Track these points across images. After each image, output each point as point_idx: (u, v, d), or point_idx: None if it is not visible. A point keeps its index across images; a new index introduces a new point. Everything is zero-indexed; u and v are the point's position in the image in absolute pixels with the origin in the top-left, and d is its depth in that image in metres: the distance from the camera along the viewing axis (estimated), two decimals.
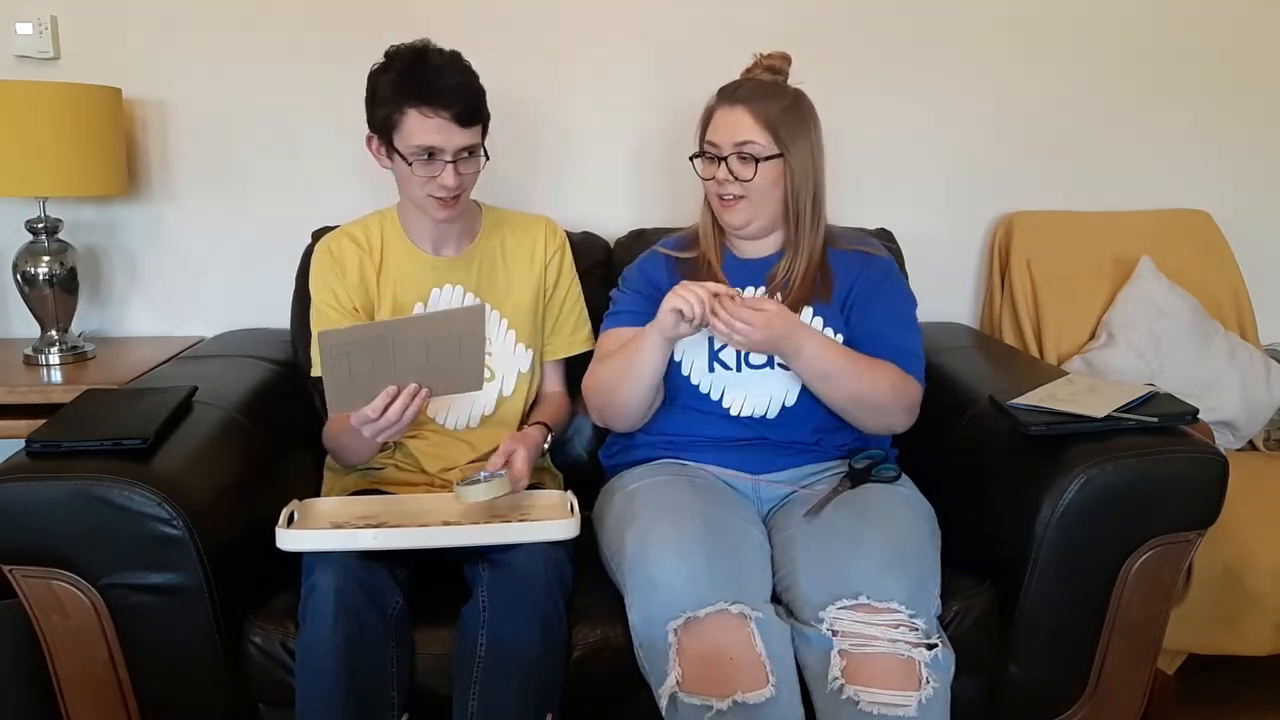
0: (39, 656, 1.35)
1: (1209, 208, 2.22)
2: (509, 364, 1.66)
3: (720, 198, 1.55)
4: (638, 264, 1.68)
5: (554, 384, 1.74)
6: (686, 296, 1.38)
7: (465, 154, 1.51)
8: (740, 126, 1.51)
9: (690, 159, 1.58)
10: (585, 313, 1.75)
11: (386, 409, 1.35)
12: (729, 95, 1.54)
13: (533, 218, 1.74)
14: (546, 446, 1.60)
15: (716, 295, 1.39)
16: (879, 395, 1.49)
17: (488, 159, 1.57)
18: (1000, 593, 1.46)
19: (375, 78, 1.52)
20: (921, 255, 2.05)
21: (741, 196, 1.53)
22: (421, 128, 1.47)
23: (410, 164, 1.49)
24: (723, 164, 1.52)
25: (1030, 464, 1.43)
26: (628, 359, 1.50)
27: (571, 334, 1.72)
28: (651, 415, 1.59)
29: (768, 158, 1.50)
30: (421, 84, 1.46)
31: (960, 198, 2.23)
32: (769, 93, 1.53)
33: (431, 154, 1.48)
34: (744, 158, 1.50)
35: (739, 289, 1.57)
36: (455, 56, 1.52)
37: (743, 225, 1.56)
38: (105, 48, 2.02)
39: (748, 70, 1.58)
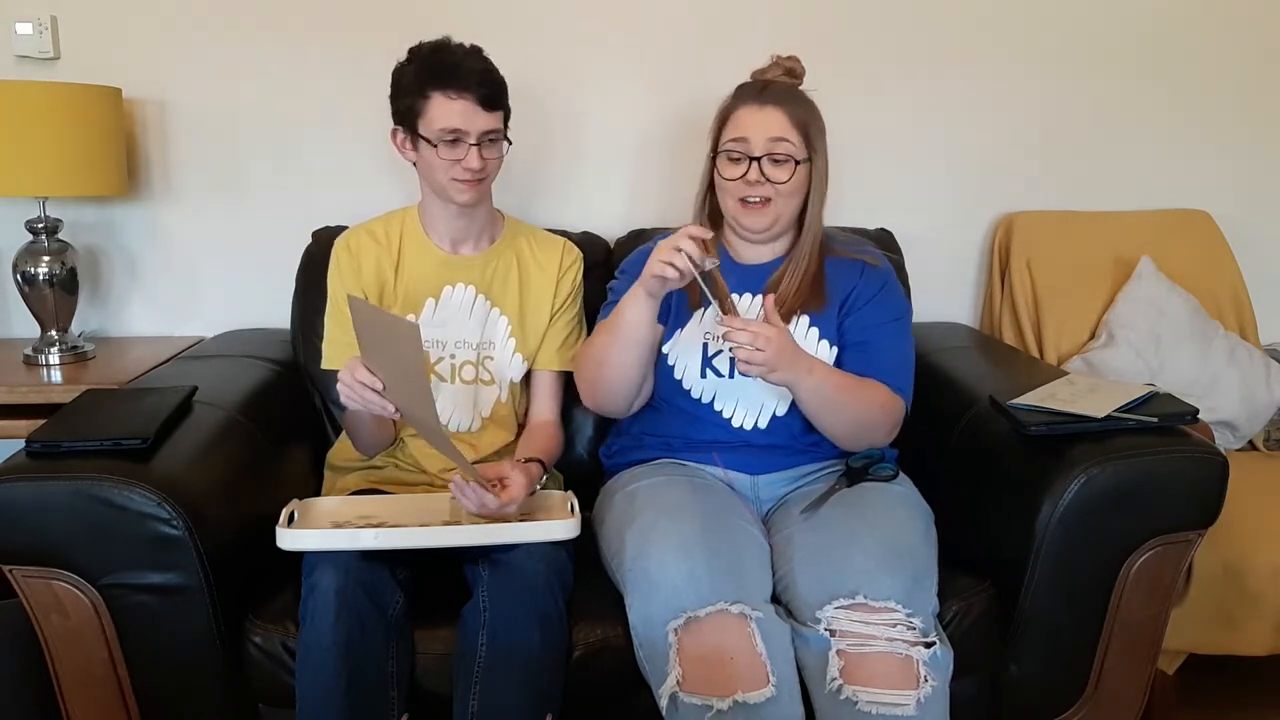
0: (39, 656, 1.35)
1: (1209, 208, 2.22)
2: (505, 372, 1.66)
3: (743, 200, 1.51)
4: (638, 256, 1.64)
5: (546, 410, 1.69)
6: (674, 260, 1.33)
7: (488, 138, 1.53)
8: (775, 126, 1.48)
9: (711, 156, 1.54)
10: (579, 336, 1.72)
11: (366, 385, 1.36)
12: (755, 95, 1.51)
13: (554, 236, 1.75)
14: (541, 484, 1.54)
15: (700, 241, 1.33)
16: (872, 416, 1.48)
17: (510, 144, 1.59)
18: (1000, 593, 1.46)
19: (399, 71, 1.56)
20: (921, 255, 2.05)
21: (769, 200, 1.50)
22: (446, 111, 1.50)
23: (436, 147, 1.51)
24: (753, 165, 1.49)
25: (1030, 464, 1.43)
26: (617, 323, 1.46)
27: (559, 350, 1.69)
28: (641, 404, 1.58)
29: (801, 161, 1.49)
30: (445, 69, 1.50)
31: (960, 198, 2.23)
32: (796, 96, 1.52)
33: (456, 138, 1.50)
34: (778, 160, 1.48)
35: (738, 295, 1.56)
36: (476, 49, 1.56)
37: (765, 229, 1.53)
38: (105, 48, 2.02)
39: (763, 71, 1.55)
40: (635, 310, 1.42)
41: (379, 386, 1.35)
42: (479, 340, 1.65)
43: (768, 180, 1.48)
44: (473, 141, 1.51)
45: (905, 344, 1.56)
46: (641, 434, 1.62)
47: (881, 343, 1.52)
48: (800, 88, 1.55)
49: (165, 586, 1.32)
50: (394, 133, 1.58)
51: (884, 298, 1.56)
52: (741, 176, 1.49)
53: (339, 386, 1.38)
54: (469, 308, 1.65)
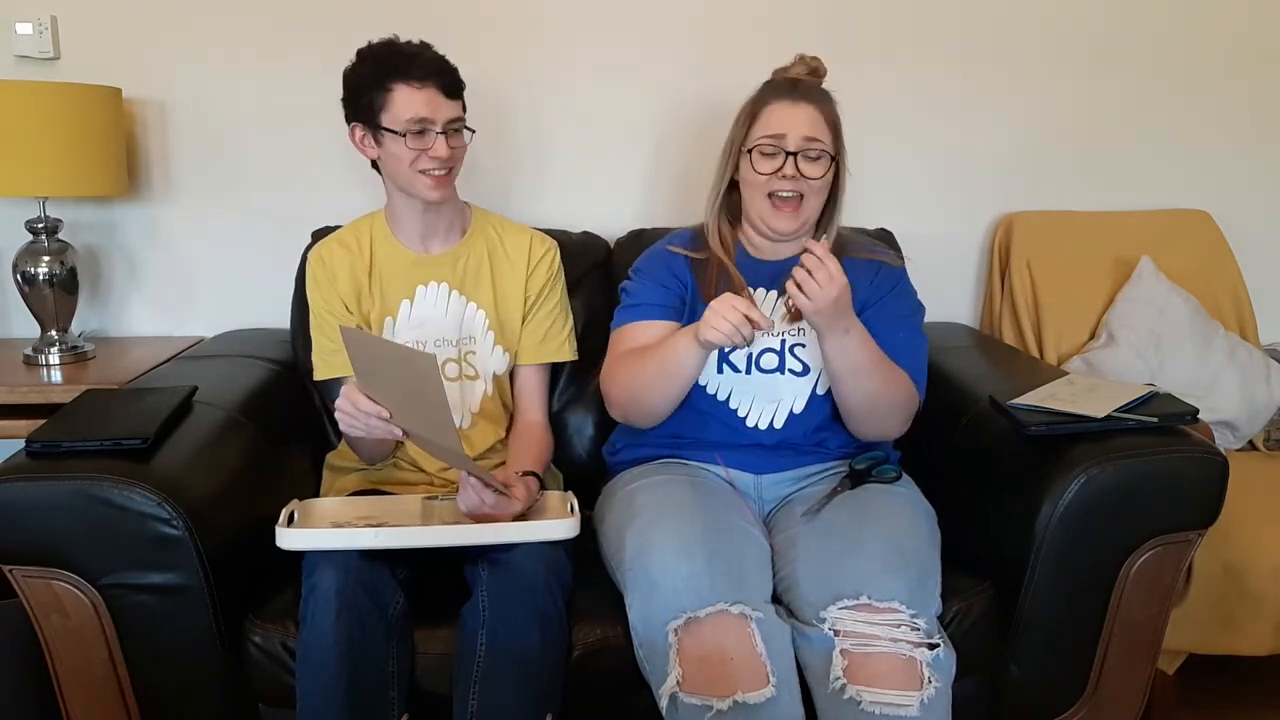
0: (39, 656, 1.35)
1: (1209, 208, 2.22)
2: (487, 365, 1.66)
3: (773, 198, 1.49)
4: (655, 255, 1.63)
5: (533, 410, 1.70)
6: (720, 327, 1.32)
7: (453, 127, 1.54)
8: (808, 123, 1.47)
9: (747, 151, 1.51)
10: (562, 325, 1.71)
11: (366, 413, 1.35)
12: (788, 91, 1.50)
13: (521, 226, 1.74)
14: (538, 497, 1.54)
15: (749, 318, 1.32)
16: (894, 397, 1.48)
17: (473, 133, 1.59)
18: (1000, 593, 1.46)
19: (352, 72, 1.56)
20: (921, 255, 2.04)
21: (800, 198, 1.49)
22: (411, 101, 1.50)
23: (404, 137, 1.50)
24: (789, 160, 1.47)
25: (1030, 464, 1.43)
26: (661, 364, 1.45)
27: (540, 344, 1.69)
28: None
29: (832, 158, 1.49)
30: (404, 60, 1.52)
31: (960, 198, 2.23)
32: (824, 95, 1.52)
33: (423, 128, 1.51)
34: (811, 156, 1.47)
35: (752, 289, 1.56)
36: (425, 43, 1.56)
37: (793, 232, 1.51)
38: (105, 48, 2.02)
39: (786, 69, 1.54)
40: (689, 362, 1.42)
41: (385, 414, 1.35)
42: (458, 337, 1.64)
43: (802, 176, 1.47)
44: (439, 130, 1.52)
45: (920, 340, 1.57)
46: (648, 430, 1.60)
47: (897, 336, 1.52)
48: (823, 87, 1.55)
49: (165, 586, 1.32)
50: (353, 129, 1.57)
51: (898, 294, 1.58)
52: (776, 172, 1.48)
53: (338, 415, 1.37)
54: (444, 305, 1.64)
